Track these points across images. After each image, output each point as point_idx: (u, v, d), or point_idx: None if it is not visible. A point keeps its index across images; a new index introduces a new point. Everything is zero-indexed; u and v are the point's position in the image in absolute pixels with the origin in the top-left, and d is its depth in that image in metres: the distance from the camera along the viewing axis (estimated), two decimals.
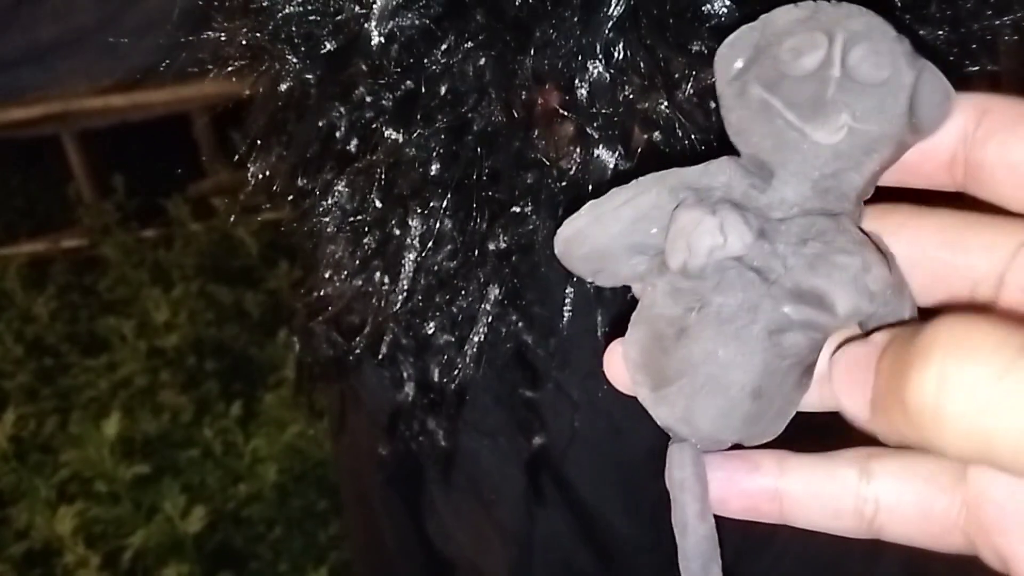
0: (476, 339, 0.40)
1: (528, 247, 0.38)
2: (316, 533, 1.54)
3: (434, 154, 0.35)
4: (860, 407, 0.18)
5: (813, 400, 0.22)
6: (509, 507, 0.47)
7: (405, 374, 0.44)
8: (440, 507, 0.51)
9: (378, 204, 0.37)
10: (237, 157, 0.43)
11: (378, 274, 0.39)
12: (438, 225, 0.37)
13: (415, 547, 0.54)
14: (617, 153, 0.33)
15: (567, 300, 0.40)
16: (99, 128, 3.31)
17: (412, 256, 0.38)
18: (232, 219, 2.22)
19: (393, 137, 0.35)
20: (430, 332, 0.41)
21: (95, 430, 1.42)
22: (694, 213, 0.18)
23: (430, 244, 0.38)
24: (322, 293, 0.44)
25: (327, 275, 0.42)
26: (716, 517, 0.22)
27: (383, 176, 0.36)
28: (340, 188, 0.37)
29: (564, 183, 0.35)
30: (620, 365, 0.21)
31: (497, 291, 0.39)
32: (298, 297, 0.47)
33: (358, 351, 0.43)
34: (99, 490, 1.45)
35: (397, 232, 0.38)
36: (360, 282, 0.40)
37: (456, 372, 0.41)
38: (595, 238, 0.20)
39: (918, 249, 0.20)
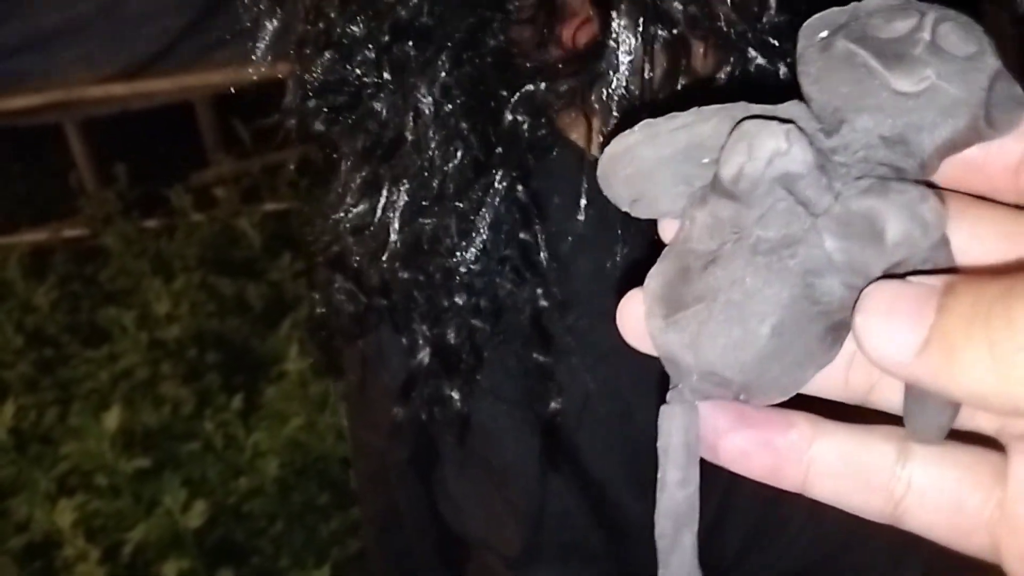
0: (481, 228, 0.39)
1: (538, 129, 0.37)
2: (318, 528, 1.53)
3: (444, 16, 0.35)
4: (905, 345, 0.17)
5: (836, 385, 0.21)
6: (522, 481, 0.47)
7: (420, 338, 0.43)
8: (451, 485, 0.50)
9: (386, 74, 0.36)
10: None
11: (386, 186, 0.39)
12: (444, 117, 0.37)
13: (429, 525, 0.54)
14: (638, 46, 0.32)
15: (582, 279, 0.40)
16: (101, 117, 3.29)
17: (419, 157, 0.37)
18: (235, 210, 2.21)
19: None
20: (438, 239, 0.40)
21: (95, 423, 1.41)
22: (760, 120, 0.18)
23: (436, 142, 0.37)
24: (334, 231, 0.43)
25: (336, 204, 0.41)
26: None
27: (390, 37, 0.36)
28: (351, 40, 0.37)
29: (584, 67, 0.34)
30: (634, 313, 0.21)
31: (505, 182, 0.38)
32: (316, 255, 0.47)
33: (374, 288, 0.43)
34: (99, 483, 1.44)
35: (404, 126, 0.37)
36: (367, 202, 0.40)
37: (466, 283, 0.41)
38: (644, 158, 0.19)
39: (976, 240, 0.19)
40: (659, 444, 0.21)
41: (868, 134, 0.18)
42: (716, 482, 0.43)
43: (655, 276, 0.20)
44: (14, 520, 1.53)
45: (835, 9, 0.19)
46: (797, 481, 0.21)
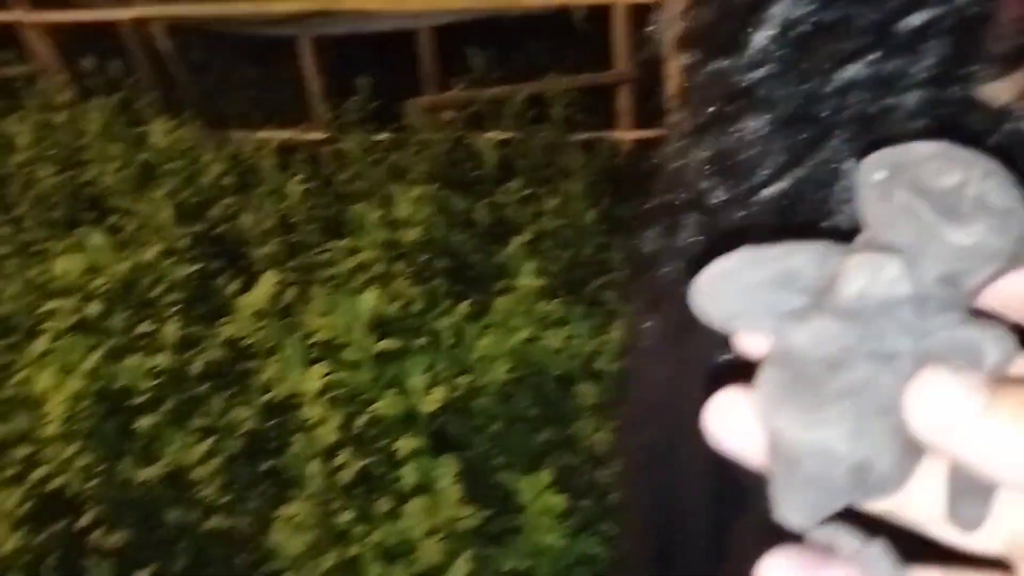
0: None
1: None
2: (531, 436, 1.59)
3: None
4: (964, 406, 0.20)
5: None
6: None
7: None
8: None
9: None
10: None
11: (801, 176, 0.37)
12: None
13: (707, 463, 0.51)
14: None
15: None
16: (332, 35, 3.49)
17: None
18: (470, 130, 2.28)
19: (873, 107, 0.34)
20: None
21: (352, 300, 1.51)
22: (875, 252, 0.21)
23: None
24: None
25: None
26: None
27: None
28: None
29: None
30: (734, 414, 0.22)
31: None
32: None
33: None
34: (346, 357, 1.55)
35: None
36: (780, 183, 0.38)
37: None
38: (745, 280, 0.22)
39: None
40: None
41: (927, 274, 0.21)
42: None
43: (767, 382, 0.21)
44: (262, 380, 1.67)
45: (890, 150, 0.22)
46: None
